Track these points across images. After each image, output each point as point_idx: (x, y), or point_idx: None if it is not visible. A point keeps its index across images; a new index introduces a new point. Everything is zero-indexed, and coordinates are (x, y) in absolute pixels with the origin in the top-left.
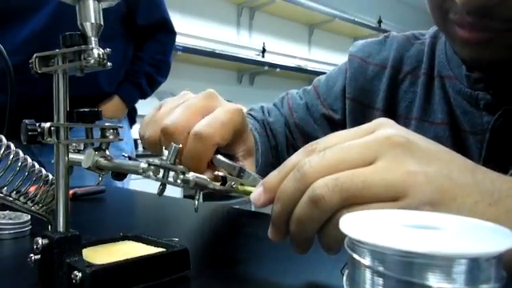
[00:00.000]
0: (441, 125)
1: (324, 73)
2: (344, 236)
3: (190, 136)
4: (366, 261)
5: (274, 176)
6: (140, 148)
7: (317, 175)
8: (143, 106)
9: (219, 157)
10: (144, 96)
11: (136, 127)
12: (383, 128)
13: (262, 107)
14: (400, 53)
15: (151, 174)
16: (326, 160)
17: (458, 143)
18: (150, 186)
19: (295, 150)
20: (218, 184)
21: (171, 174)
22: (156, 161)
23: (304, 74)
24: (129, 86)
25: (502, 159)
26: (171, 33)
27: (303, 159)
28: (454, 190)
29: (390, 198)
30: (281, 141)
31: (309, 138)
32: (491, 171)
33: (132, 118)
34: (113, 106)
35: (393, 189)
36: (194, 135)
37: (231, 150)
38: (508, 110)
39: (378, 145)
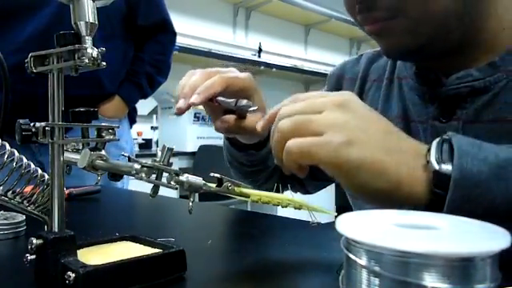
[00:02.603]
0: (396, 118)
1: (320, 73)
2: None
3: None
4: (362, 261)
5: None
6: (136, 148)
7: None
8: (143, 106)
9: (220, 98)
10: (144, 96)
11: (136, 127)
12: (340, 95)
13: None
14: (368, 66)
15: (143, 175)
16: (294, 107)
17: (409, 132)
18: (149, 186)
19: None
20: (214, 185)
21: (165, 175)
22: (149, 162)
23: (300, 74)
24: (130, 86)
25: None
26: (171, 33)
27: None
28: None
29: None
30: None
31: None
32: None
33: (132, 117)
34: (113, 106)
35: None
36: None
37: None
38: (443, 100)
39: (324, 103)
